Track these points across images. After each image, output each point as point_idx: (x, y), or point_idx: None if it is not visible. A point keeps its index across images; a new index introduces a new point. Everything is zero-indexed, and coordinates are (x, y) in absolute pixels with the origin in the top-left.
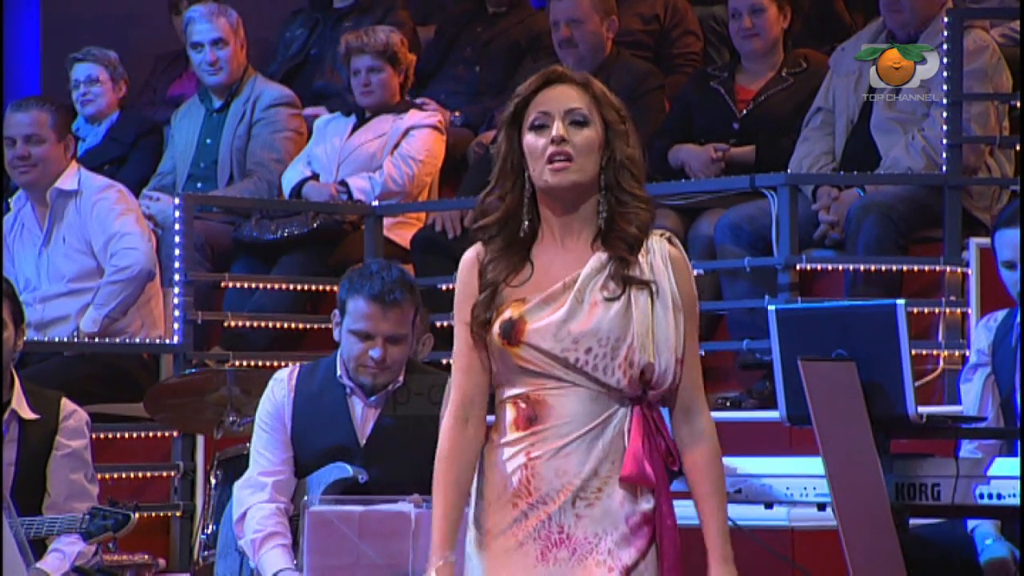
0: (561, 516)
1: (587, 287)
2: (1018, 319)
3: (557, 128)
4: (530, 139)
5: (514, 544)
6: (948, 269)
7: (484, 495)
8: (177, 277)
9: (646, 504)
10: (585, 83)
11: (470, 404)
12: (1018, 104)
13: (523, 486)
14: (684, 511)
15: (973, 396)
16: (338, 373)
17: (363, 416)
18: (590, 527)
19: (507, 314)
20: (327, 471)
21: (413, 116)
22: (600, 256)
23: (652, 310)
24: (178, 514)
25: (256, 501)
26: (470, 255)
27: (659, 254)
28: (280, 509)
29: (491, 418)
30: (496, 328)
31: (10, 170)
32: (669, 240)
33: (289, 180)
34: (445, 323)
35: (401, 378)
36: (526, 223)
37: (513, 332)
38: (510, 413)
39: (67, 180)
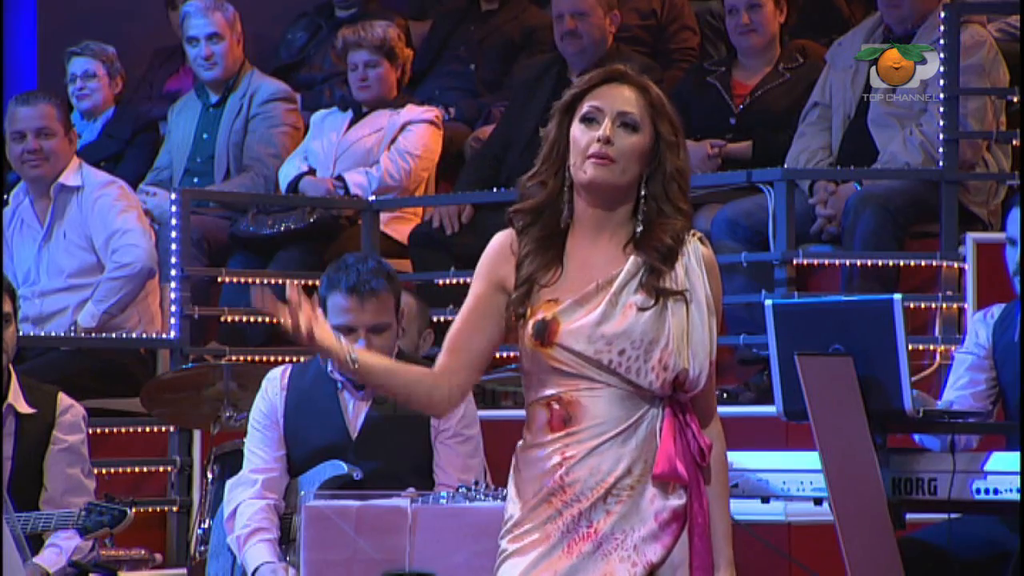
0: (592, 512)
1: (623, 290)
2: (1019, 314)
3: (606, 128)
4: (577, 130)
5: (545, 541)
6: (945, 264)
7: (520, 494)
8: (174, 272)
9: (676, 500)
10: (644, 88)
11: (450, 371)
12: (1015, 99)
13: (558, 485)
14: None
15: (962, 380)
16: (329, 368)
17: (355, 410)
18: (617, 523)
19: (540, 315)
20: (322, 468)
21: (410, 111)
22: (636, 260)
23: (687, 316)
24: (175, 509)
25: (245, 497)
26: (502, 244)
27: (693, 257)
28: (269, 505)
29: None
30: (529, 329)
31: (19, 165)
32: (701, 241)
33: (286, 175)
34: (443, 318)
35: None
36: (566, 213)
37: (546, 333)
38: (543, 415)
39: (70, 175)
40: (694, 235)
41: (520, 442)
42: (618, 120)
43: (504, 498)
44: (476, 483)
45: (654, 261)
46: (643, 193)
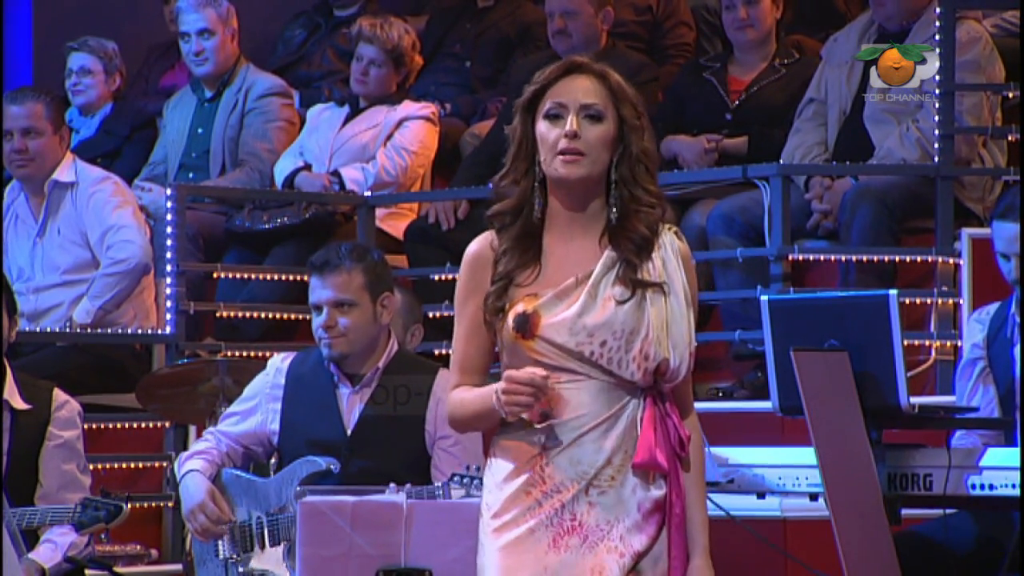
0: (574, 504)
1: (600, 282)
2: (1012, 310)
3: (571, 122)
4: (543, 128)
5: (526, 532)
6: (940, 260)
7: (498, 484)
8: (169, 268)
9: (658, 491)
10: (603, 75)
11: None
12: (1010, 95)
13: (537, 475)
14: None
15: (969, 391)
16: (326, 361)
17: (349, 404)
18: (602, 514)
19: (520, 308)
20: (298, 466)
21: (406, 107)
22: (611, 254)
23: (667, 307)
24: (170, 504)
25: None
26: (481, 249)
27: (670, 249)
28: (216, 443)
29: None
30: (510, 322)
31: (7, 163)
32: (677, 235)
33: (282, 170)
34: (438, 314)
35: (381, 364)
36: (537, 207)
37: (528, 326)
38: None
39: (64, 172)
40: (669, 229)
41: (497, 432)
42: (582, 112)
43: None
44: (468, 468)
45: (629, 254)
46: (613, 178)
